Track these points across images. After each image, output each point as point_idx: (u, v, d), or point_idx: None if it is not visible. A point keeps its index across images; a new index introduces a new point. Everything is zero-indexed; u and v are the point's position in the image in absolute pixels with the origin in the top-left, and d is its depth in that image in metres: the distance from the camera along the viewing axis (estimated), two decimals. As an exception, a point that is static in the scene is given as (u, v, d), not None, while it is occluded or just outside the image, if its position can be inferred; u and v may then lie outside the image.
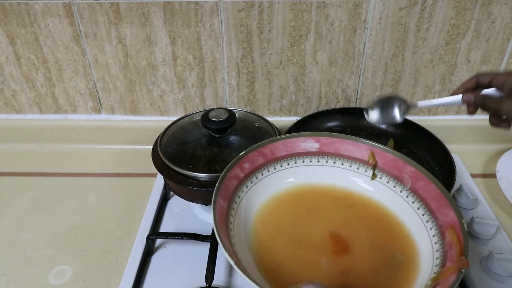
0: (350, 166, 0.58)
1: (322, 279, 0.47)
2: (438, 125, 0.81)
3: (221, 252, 0.61)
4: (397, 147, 0.75)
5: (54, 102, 0.83)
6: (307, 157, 0.58)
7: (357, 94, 0.80)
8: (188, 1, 0.70)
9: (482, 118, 0.82)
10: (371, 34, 0.73)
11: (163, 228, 0.67)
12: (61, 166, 0.81)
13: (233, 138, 0.66)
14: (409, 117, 0.78)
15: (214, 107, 0.79)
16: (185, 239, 0.62)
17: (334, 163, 0.58)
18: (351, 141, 0.58)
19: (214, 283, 0.56)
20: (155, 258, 0.62)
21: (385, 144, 0.72)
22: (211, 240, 0.60)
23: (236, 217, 0.51)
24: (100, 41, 0.75)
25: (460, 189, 0.69)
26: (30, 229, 0.68)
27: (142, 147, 0.85)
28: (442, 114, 0.82)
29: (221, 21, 0.72)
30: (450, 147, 0.71)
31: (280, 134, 0.68)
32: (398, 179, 0.55)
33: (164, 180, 0.71)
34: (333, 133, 0.58)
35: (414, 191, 0.53)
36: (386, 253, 0.50)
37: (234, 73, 0.78)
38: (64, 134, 0.85)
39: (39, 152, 0.85)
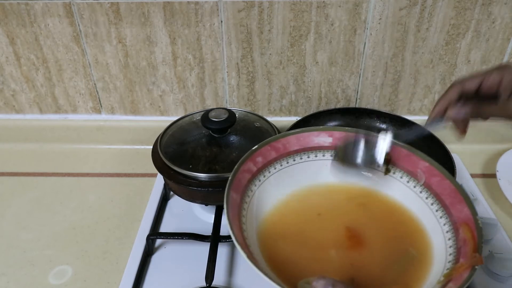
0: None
1: (334, 273, 0.47)
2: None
3: (222, 252, 0.61)
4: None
5: (54, 102, 0.83)
6: (320, 152, 0.58)
7: (357, 94, 0.80)
8: (188, 1, 0.70)
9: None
10: (371, 34, 0.73)
11: (163, 228, 0.67)
12: (61, 166, 0.81)
13: (233, 138, 0.66)
14: (409, 117, 0.78)
15: (214, 107, 0.79)
16: (185, 239, 0.62)
17: None
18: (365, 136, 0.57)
19: (214, 283, 0.56)
20: (155, 258, 0.62)
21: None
22: (211, 240, 0.60)
23: (249, 210, 0.51)
24: (100, 41, 0.75)
25: (460, 189, 0.69)
26: (30, 229, 0.68)
27: (142, 147, 0.85)
28: (442, 114, 0.82)
29: (221, 21, 0.72)
30: (450, 147, 0.71)
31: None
32: (412, 174, 0.54)
33: (164, 180, 0.71)
34: (347, 128, 0.58)
35: (428, 187, 0.53)
36: (399, 247, 0.50)
37: (234, 73, 0.78)
38: (64, 134, 0.85)
39: (39, 152, 0.85)
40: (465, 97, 0.47)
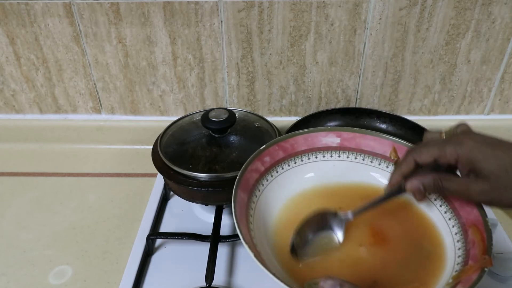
0: (371, 161, 0.57)
1: (345, 272, 0.47)
2: (438, 125, 0.80)
3: (222, 252, 0.61)
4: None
5: (54, 102, 0.83)
6: (327, 152, 0.58)
7: (357, 94, 0.80)
8: (188, 1, 0.70)
9: (482, 118, 0.82)
10: (371, 34, 0.73)
11: (163, 228, 0.67)
12: (61, 166, 0.81)
13: (233, 138, 0.66)
14: (409, 117, 0.78)
15: (214, 107, 0.79)
16: (185, 239, 0.62)
17: (355, 158, 0.58)
18: (373, 137, 0.57)
19: (214, 283, 0.56)
20: (155, 258, 0.62)
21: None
22: (211, 240, 0.60)
23: (256, 210, 0.51)
24: (100, 41, 0.75)
25: (460, 189, 0.68)
26: (30, 229, 0.68)
27: (142, 147, 0.85)
28: (442, 114, 0.82)
29: (221, 21, 0.72)
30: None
31: (280, 134, 0.68)
32: None
33: (164, 180, 0.71)
34: (355, 128, 0.58)
35: None
36: (415, 243, 0.50)
37: (234, 73, 0.78)
38: (64, 134, 0.85)
39: (39, 152, 0.85)
40: (422, 168, 0.45)
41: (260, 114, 0.77)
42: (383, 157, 0.57)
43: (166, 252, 0.63)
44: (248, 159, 0.52)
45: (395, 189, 0.48)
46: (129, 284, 0.57)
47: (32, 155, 0.84)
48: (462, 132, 0.45)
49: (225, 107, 0.82)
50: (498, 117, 0.82)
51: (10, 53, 0.77)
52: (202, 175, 0.60)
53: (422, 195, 0.46)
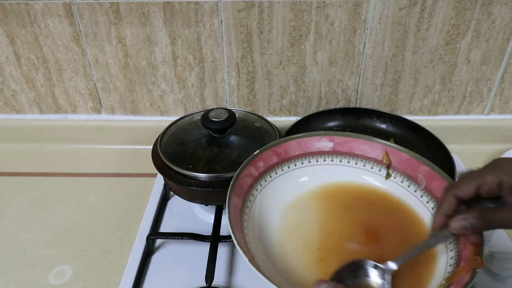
0: (364, 165, 0.58)
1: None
2: (438, 125, 0.81)
3: (221, 252, 0.61)
4: (397, 147, 0.75)
5: (54, 102, 0.83)
6: (321, 156, 0.58)
7: (357, 94, 0.80)
8: (188, 1, 0.70)
9: (482, 118, 0.82)
10: (371, 34, 0.73)
11: (163, 228, 0.67)
12: (61, 166, 0.81)
13: (233, 138, 0.66)
14: (409, 117, 0.78)
15: (214, 107, 0.79)
16: (185, 239, 0.62)
17: (348, 162, 0.58)
18: (365, 141, 0.58)
19: (214, 283, 0.56)
20: (155, 258, 0.62)
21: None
22: (211, 240, 0.60)
23: (250, 215, 0.51)
24: (100, 41, 0.75)
25: (460, 189, 0.68)
26: (30, 229, 0.68)
27: (142, 147, 0.85)
28: (442, 114, 0.82)
29: (221, 21, 0.72)
30: (450, 147, 0.71)
31: (280, 134, 0.68)
32: (413, 178, 0.55)
33: (164, 180, 0.71)
34: (347, 133, 0.58)
35: (428, 191, 0.53)
36: (409, 241, 0.50)
37: (234, 73, 0.78)
38: (64, 134, 0.85)
39: (39, 152, 0.85)
40: (465, 204, 0.42)
41: (260, 114, 0.77)
42: (376, 161, 0.57)
43: (166, 252, 0.63)
44: (242, 164, 0.53)
45: (441, 233, 0.44)
46: (129, 284, 0.57)
47: (32, 155, 0.84)
48: (497, 159, 0.42)
49: (225, 107, 0.82)
50: (498, 117, 0.82)
51: (10, 53, 0.77)
52: (202, 175, 0.60)
53: (472, 233, 0.41)
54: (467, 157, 0.80)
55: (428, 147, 0.74)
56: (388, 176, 0.57)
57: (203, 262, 0.58)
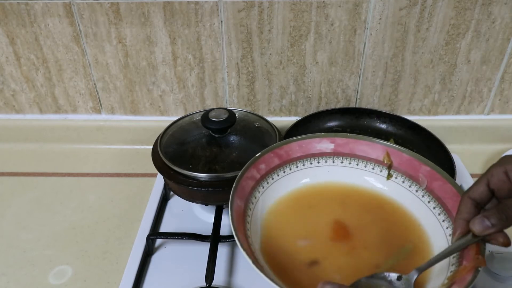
0: (365, 166, 0.58)
1: (337, 275, 0.47)
2: (438, 125, 0.81)
3: (221, 252, 0.61)
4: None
5: (54, 102, 0.83)
6: (322, 158, 0.59)
7: (357, 94, 0.80)
8: (188, 1, 0.70)
9: (482, 118, 0.82)
10: (371, 34, 0.73)
11: (163, 228, 0.67)
12: (61, 166, 0.81)
13: (233, 138, 0.66)
14: (409, 117, 0.78)
15: (214, 107, 0.79)
16: (185, 239, 0.62)
17: (349, 163, 0.59)
18: (366, 142, 0.58)
19: (214, 283, 0.56)
20: (155, 258, 0.62)
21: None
22: (211, 240, 0.60)
23: (253, 217, 0.51)
24: (100, 41, 0.75)
25: (460, 189, 0.69)
26: (30, 229, 0.68)
27: (142, 147, 0.85)
28: (442, 114, 0.82)
29: (221, 21, 0.72)
30: (450, 147, 0.71)
31: (280, 134, 0.68)
32: (414, 179, 0.55)
33: (164, 180, 0.71)
34: (348, 134, 0.59)
35: (430, 191, 0.53)
36: (396, 243, 0.51)
37: (234, 73, 0.78)
38: (64, 134, 0.85)
39: (39, 152, 0.85)
40: (483, 205, 0.42)
41: (260, 114, 0.77)
42: (377, 162, 0.58)
43: (166, 252, 0.63)
44: (244, 167, 0.53)
45: (464, 238, 0.44)
46: (129, 284, 0.57)
47: (32, 155, 0.84)
48: (502, 157, 0.43)
49: (225, 107, 0.82)
50: (498, 117, 0.82)
51: (10, 53, 0.77)
52: (202, 175, 0.60)
53: (496, 231, 0.40)
54: (467, 157, 0.80)
55: (428, 147, 0.74)
56: (389, 176, 0.57)
57: (203, 262, 0.58)
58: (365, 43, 0.74)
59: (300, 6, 0.70)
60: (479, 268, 0.41)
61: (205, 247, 0.60)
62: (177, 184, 0.61)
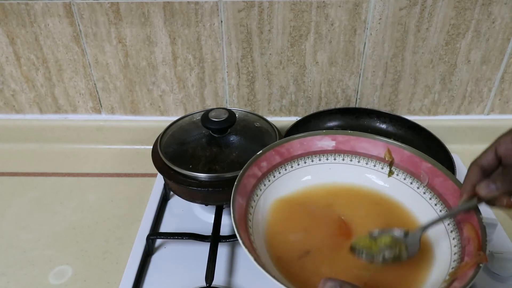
0: (366, 163, 0.58)
1: (339, 273, 0.48)
2: (438, 125, 0.81)
3: (221, 252, 0.61)
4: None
5: (54, 102, 0.83)
6: (323, 155, 0.59)
7: (357, 94, 0.80)
8: (188, 1, 0.70)
9: (482, 118, 0.82)
10: (371, 34, 0.73)
11: (163, 228, 0.67)
12: (61, 166, 0.81)
13: (233, 138, 0.66)
14: (409, 117, 0.78)
15: (214, 107, 0.79)
16: (185, 239, 0.62)
17: (351, 160, 0.59)
18: (368, 139, 0.58)
19: (214, 283, 0.56)
20: (155, 258, 0.62)
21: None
22: (211, 240, 0.60)
23: (255, 214, 0.52)
24: (100, 41, 0.75)
25: (460, 189, 0.69)
26: (30, 229, 0.68)
27: (142, 147, 0.85)
28: (442, 114, 0.82)
29: (221, 21, 0.72)
30: (450, 147, 0.71)
31: (280, 134, 0.68)
32: (415, 175, 0.55)
33: (164, 180, 0.71)
34: (349, 131, 0.59)
35: (431, 188, 0.53)
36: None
37: (234, 73, 0.78)
38: (64, 134, 0.85)
39: (39, 152, 0.85)
40: (490, 173, 0.44)
41: (260, 114, 0.77)
42: (378, 159, 0.58)
43: (166, 252, 0.63)
44: (245, 165, 0.53)
45: (469, 202, 0.46)
46: (129, 284, 0.57)
47: (32, 155, 0.84)
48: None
49: (225, 107, 0.82)
50: (498, 117, 0.82)
51: (10, 53, 0.77)
52: (202, 175, 0.60)
53: (500, 194, 0.42)
54: (467, 157, 0.79)
55: (428, 147, 0.74)
56: (390, 173, 0.57)
57: (203, 262, 0.58)
58: (365, 43, 0.74)
59: (300, 6, 0.70)
60: (481, 264, 0.41)
61: (205, 247, 0.60)
62: (177, 184, 0.61)
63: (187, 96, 0.81)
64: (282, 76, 0.78)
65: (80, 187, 0.76)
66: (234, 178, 0.51)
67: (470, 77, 0.78)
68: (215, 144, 0.65)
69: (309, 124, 0.78)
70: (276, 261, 0.48)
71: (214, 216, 0.64)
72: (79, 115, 0.85)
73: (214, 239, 0.60)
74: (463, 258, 0.45)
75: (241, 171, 0.52)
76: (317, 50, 0.75)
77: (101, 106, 0.84)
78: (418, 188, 0.55)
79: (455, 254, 0.46)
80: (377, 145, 0.58)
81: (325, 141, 0.59)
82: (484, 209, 0.68)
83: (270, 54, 0.75)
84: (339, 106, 0.82)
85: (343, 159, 0.59)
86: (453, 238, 0.48)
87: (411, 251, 0.47)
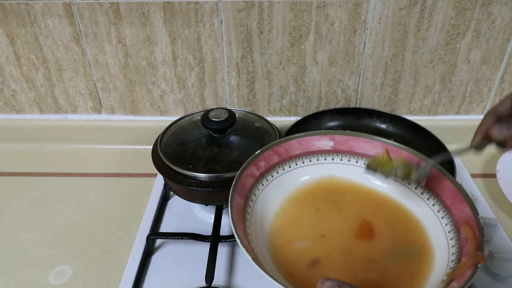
0: (364, 163, 0.58)
1: (343, 273, 0.48)
2: (438, 125, 0.81)
3: (221, 252, 0.61)
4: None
5: (54, 102, 0.83)
6: (321, 155, 0.59)
7: (357, 94, 0.80)
8: (188, 1, 0.70)
9: (482, 118, 0.82)
10: (371, 34, 0.73)
11: (163, 228, 0.67)
12: (61, 166, 0.81)
13: (233, 138, 0.66)
14: (409, 117, 0.78)
15: (214, 107, 0.79)
16: (185, 239, 0.62)
17: (349, 161, 0.59)
18: (366, 139, 0.58)
19: (214, 283, 0.56)
20: (155, 258, 0.62)
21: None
22: (211, 240, 0.60)
23: (253, 214, 0.52)
24: (100, 41, 0.75)
25: (460, 189, 0.69)
26: (30, 229, 0.68)
27: (142, 147, 0.85)
28: (442, 114, 0.82)
29: (221, 21, 0.72)
30: (450, 147, 0.71)
31: (280, 134, 0.68)
32: None
33: (164, 180, 0.71)
34: (348, 131, 0.59)
35: (429, 188, 0.53)
36: (400, 243, 0.51)
37: (234, 73, 0.78)
38: (64, 134, 0.85)
39: (39, 152, 0.85)
40: (505, 119, 0.47)
41: (260, 114, 0.77)
42: None
43: (166, 252, 0.63)
44: (243, 164, 0.53)
45: (480, 143, 0.48)
46: (129, 284, 0.57)
47: (32, 155, 0.84)
48: None
49: (225, 107, 0.82)
50: (498, 117, 0.82)
51: (10, 53, 0.77)
52: (202, 175, 0.60)
53: (510, 137, 0.45)
54: (467, 157, 0.80)
55: (428, 147, 0.74)
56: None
57: (203, 262, 0.58)
58: (365, 43, 0.74)
59: (300, 6, 0.70)
60: (478, 265, 0.42)
61: (205, 247, 0.60)
62: (177, 184, 0.61)
63: (187, 96, 0.81)
64: (282, 76, 0.78)
65: (80, 187, 0.76)
66: (234, 178, 0.51)
67: (470, 77, 0.78)
68: (215, 144, 0.65)
69: (309, 124, 0.78)
70: (283, 266, 0.48)
71: (214, 216, 0.64)
72: (79, 115, 0.85)
73: (214, 239, 0.60)
74: (460, 259, 0.45)
75: (239, 171, 0.52)
76: (317, 50, 0.75)
77: (101, 106, 0.84)
78: (416, 188, 0.55)
79: (452, 254, 0.46)
80: (375, 145, 0.58)
81: (323, 141, 0.59)
82: (484, 209, 0.68)
83: (270, 54, 0.75)
84: (339, 106, 0.82)
85: (341, 159, 0.59)
86: (451, 239, 0.48)
87: (420, 174, 0.51)
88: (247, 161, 0.54)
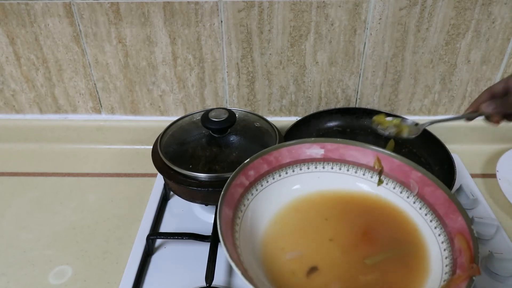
0: (355, 172, 0.57)
1: (340, 278, 0.47)
2: (438, 125, 0.80)
3: (221, 252, 0.61)
4: (397, 147, 0.75)
5: (54, 102, 0.83)
6: (312, 164, 0.58)
7: (357, 94, 0.80)
8: (188, 1, 0.70)
9: (482, 118, 0.82)
10: (371, 34, 0.73)
11: (163, 228, 0.67)
12: (61, 166, 0.81)
13: (233, 138, 0.66)
14: (409, 117, 0.78)
15: (214, 107, 0.79)
16: (185, 239, 0.62)
17: (340, 169, 0.58)
18: (357, 147, 0.57)
19: (214, 283, 0.56)
20: (155, 258, 0.62)
21: (385, 144, 0.72)
22: (211, 240, 0.60)
23: (242, 225, 0.50)
24: (100, 41, 0.75)
25: (460, 189, 0.69)
26: (30, 229, 0.68)
27: (142, 147, 0.85)
28: (442, 114, 0.82)
29: (221, 21, 0.72)
30: (450, 147, 0.72)
31: (280, 134, 0.68)
32: (405, 184, 0.54)
33: (164, 180, 0.71)
34: (338, 139, 0.58)
35: (421, 197, 0.52)
36: (398, 244, 0.51)
37: (234, 73, 0.78)
38: (64, 134, 0.85)
39: (39, 152, 0.85)
40: (496, 98, 0.54)
41: (260, 114, 0.77)
42: (367, 167, 0.57)
43: (166, 252, 0.63)
44: (232, 174, 0.51)
45: (471, 114, 0.56)
46: (129, 284, 0.57)
47: (32, 155, 0.84)
48: None
49: (225, 107, 0.82)
50: (498, 117, 0.82)
51: (10, 53, 0.77)
52: (202, 175, 0.60)
53: (496, 112, 0.52)
54: (467, 157, 0.80)
55: (428, 147, 0.74)
56: (380, 182, 0.56)
57: (203, 262, 0.58)
58: (365, 43, 0.74)
59: (300, 6, 0.70)
60: (474, 278, 0.41)
61: (205, 247, 0.60)
62: (177, 184, 0.61)
63: (187, 96, 0.81)
64: (282, 76, 0.78)
65: (80, 187, 0.76)
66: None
67: (470, 77, 0.78)
68: (215, 144, 0.65)
69: (309, 124, 0.78)
70: (275, 278, 0.47)
71: (214, 216, 0.64)
72: (79, 115, 0.85)
73: (214, 239, 0.60)
74: (455, 271, 0.44)
75: (228, 181, 0.50)
76: (317, 50, 0.75)
77: (101, 106, 0.84)
78: (408, 197, 0.54)
79: (446, 266, 0.45)
80: (366, 154, 0.57)
81: (314, 149, 0.57)
82: (484, 209, 0.68)
83: (270, 54, 0.75)
84: (339, 106, 0.82)
85: (332, 168, 0.58)
86: (444, 249, 0.47)
87: (410, 133, 0.60)
88: (236, 170, 0.52)
